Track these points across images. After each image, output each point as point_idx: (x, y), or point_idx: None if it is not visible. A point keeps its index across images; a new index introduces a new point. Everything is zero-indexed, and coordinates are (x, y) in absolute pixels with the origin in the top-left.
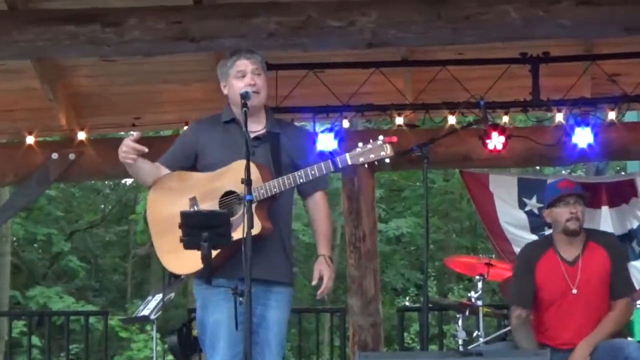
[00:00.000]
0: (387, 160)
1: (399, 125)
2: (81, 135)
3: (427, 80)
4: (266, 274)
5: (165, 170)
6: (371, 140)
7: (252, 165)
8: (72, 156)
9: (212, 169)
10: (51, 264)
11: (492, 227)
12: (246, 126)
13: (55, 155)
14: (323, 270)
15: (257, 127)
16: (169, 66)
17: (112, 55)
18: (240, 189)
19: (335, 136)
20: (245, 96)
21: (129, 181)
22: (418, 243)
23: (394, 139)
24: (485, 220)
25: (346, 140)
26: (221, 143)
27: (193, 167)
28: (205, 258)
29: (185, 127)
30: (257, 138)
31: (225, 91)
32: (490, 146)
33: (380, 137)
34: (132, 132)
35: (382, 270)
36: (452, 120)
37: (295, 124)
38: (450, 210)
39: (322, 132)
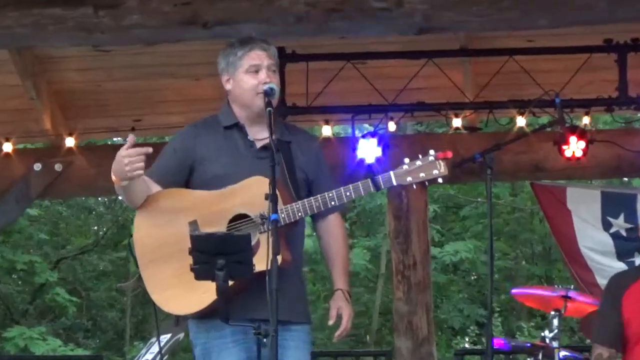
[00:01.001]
0: (440, 180)
1: (457, 128)
2: (69, 142)
3: (490, 73)
4: (285, 314)
5: (155, 187)
6: (420, 156)
7: (268, 182)
8: (58, 167)
9: (211, 185)
10: (33, 299)
11: (570, 252)
12: (271, 130)
13: (38, 166)
14: (342, 308)
15: (263, 133)
16: (176, 57)
17: (107, 45)
18: (253, 211)
19: (379, 142)
20: (269, 93)
21: None
22: (480, 271)
23: (449, 154)
24: (562, 243)
25: (392, 147)
26: (223, 154)
27: (186, 182)
28: (221, 290)
29: (177, 134)
30: (265, 148)
31: (227, 86)
32: (568, 153)
33: (432, 152)
34: (128, 138)
35: (436, 305)
36: (521, 121)
37: (304, 128)
38: (519, 231)
39: (363, 136)
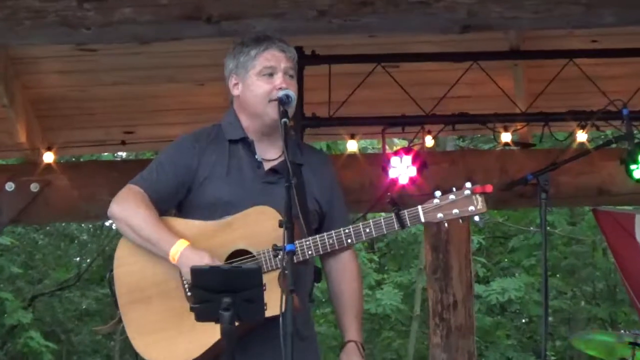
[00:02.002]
0: (477, 219)
1: (506, 144)
2: (48, 157)
3: (546, 79)
4: None
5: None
6: (454, 189)
7: (275, 213)
8: (34, 187)
9: (208, 211)
10: (3, 343)
11: (639, 291)
12: (287, 145)
13: (10, 186)
14: None
15: (273, 152)
16: (175, 59)
17: (94, 43)
18: (255, 247)
19: (414, 160)
20: (285, 101)
21: None
22: (532, 313)
23: (489, 188)
24: (630, 281)
25: (429, 165)
26: (225, 174)
27: (179, 205)
28: (227, 333)
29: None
30: (274, 171)
31: (235, 92)
32: (637, 174)
33: (469, 185)
34: (121, 153)
35: (480, 353)
36: (582, 137)
37: (316, 147)
38: (578, 266)
39: (396, 153)
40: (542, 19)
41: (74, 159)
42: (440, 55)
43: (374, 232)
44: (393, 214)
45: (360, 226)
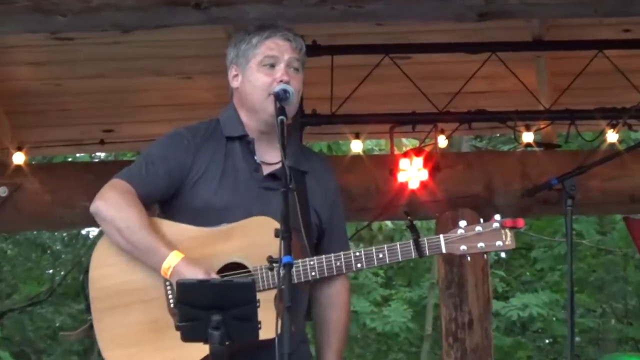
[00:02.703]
0: (503, 255)
1: (528, 145)
2: (18, 158)
3: (572, 72)
4: None
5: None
6: (482, 221)
7: (276, 224)
8: (3, 191)
9: (197, 217)
10: None
11: None
12: (284, 146)
13: None
14: None
15: (274, 155)
16: (160, 49)
17: (70, 31)
18: (253, 261)
19: (426, 162)
20: (282, 97)
21: (93, 231)
22: (556, 333)
23: (520, 223)
24: None
25: (443, 167)
26: (220, 176)
27: (164, 203)
28: (217, 355)
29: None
30: (273, 176)
31: (234, 84)
32: None
33: (498, 218)
34: (99, 154)
35: None
36: (612, 137)
37: (320, 155)
38: (608, 280)
39: (405, 154)
40: (569, 5)
41: (47, 160)
42: (454, 45)
43: (387, 259)
44: (411, 241)
45: (373, 251)
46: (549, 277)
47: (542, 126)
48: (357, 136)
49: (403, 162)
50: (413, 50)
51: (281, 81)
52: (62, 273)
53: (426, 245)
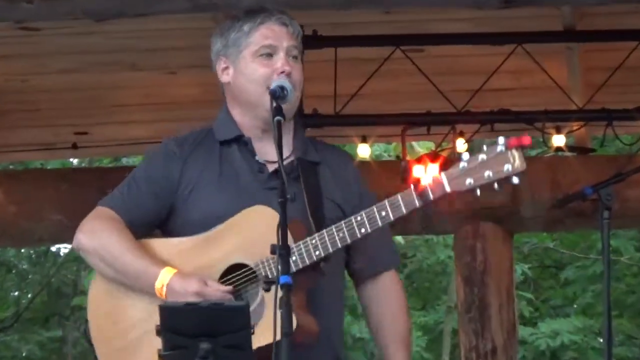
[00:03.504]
0: (516, 181)
1: (559, 149)
2: None
3: (609, 67)
4: None
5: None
6: (485, 147)
7: (273, 213)
8: None
9: (198, 228)
10: None
11: None
12: (280, 149)
13: None
14: None
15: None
16: (140, 40)
17: (38, 20)
18: (254, 256)
19: (443, 167)
20: (278, 94)
21: (65, 248)
22: None
23: (526, 140)
24: None
25: None
26: (217, 183)
27: (162, 225)
28: None
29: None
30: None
31: (225, 78)
32: None
33: (501, 140)
34: (72, 160)
35: None
36: None
37: (335, 146)
38: None
39: (419, 160)
40: None
41: (12, 167)
42: (475, 36)
43: (391, 215)
44: (412, 187)
45: (375, 210)
46: (581, 300)
47: (574, 128)
48: (364, 139)
49: (417, 169)
50: (427, 42)
51: (282, 72)
52: (30, 295)
53: (428, 189)
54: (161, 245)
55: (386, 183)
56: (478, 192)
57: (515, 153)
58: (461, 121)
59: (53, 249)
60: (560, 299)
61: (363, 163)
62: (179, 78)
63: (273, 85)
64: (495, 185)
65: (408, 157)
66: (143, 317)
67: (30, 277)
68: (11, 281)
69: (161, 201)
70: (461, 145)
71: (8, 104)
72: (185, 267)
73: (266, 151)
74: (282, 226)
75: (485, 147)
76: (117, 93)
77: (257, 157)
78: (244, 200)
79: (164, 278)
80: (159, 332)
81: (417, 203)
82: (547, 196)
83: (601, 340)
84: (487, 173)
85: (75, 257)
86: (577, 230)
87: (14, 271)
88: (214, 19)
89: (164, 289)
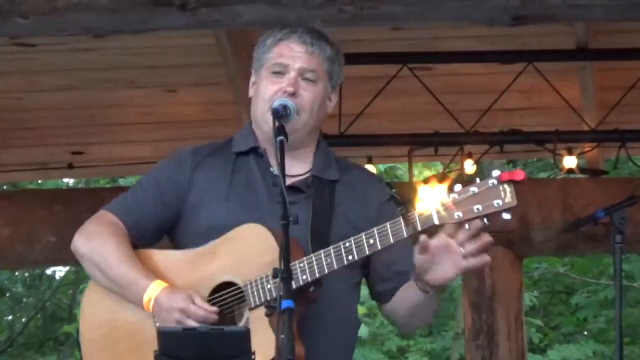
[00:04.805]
0: (507, 217)
1: (570, 170)
2: None
3: (623, 86)
4: None
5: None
6: (478, 180)
7: (266, 232)
8: None
9: (204, 239)
10: None
11: None
12: (283, 171)
13: None
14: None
15: (297, 167)
16: (139, 57)
17: (33, 35)
18: (243, 276)
19: (451, 190)
20: (281, 114)
21: (60, 272)
22: None
23: (519, 174)
24: None
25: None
26: (228, 192)
27: (170, 232)
28: None
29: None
30: (295, 188)
31: (251, 92)
32: None
33: (495, 173)
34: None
35: None
36: None
37: (366, 168)
38: None
39: (426, 181)
40: (619, 6)
41: (5, 187)
42: (484, 54)
43: (378, 244)
44: (401, 216)
45: (363, 237)
46: (592, 326)
47: (586, 149)
48: (369, 160)
49: (423, 191)
50: (436, 60)
51: (285, 92)
52: (24, 320)
53: (417, 219)
54: (158, 256)
55: None
56: (467, 225)
57: (507, 188)
58: (470, 142)
59: (48, 271)
60: (571, 325)
61: None
62: (179, 96)
63: (275, 104)
64: (485, 220)
65: (415, 178)
66: (130, 332)
67: (24, 300)
68: (5, 305)
69: (168, 206)
70: (470, 166)
71: (1, 122)
72: (177, 280)
73: (285, 166)
74: (285, 249)
75: (477, 180)
76: (114, 111)
77: (272, 169)
78: (251, 212)
79: (152, 291)
80: (157, 357)
81: (404, 233)
82: (558, 219)
83: None
84: (477, 207)
85: (71, 281)
86: (588, 254)
87: (7, 294)
88: (216, 35)
89: (151, 302)
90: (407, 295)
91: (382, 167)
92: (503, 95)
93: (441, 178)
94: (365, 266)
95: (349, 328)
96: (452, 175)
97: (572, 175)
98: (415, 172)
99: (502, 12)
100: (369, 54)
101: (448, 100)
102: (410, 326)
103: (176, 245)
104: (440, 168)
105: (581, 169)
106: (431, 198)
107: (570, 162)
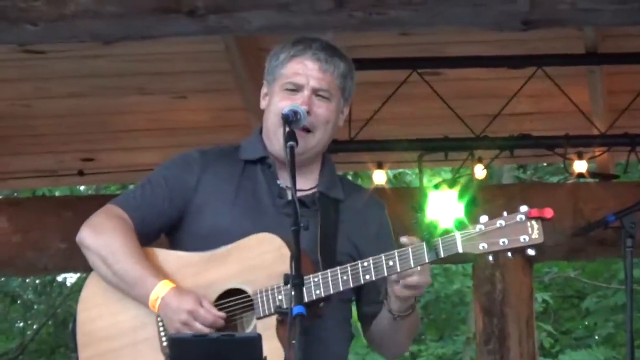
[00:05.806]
0: (532, 252)
1: (580, 175)
2: None
3: (633, 90)
4: None
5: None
6: (505, 213)
7: (281, 243)
8: None
9: (206, 245)
10: None
11: None
12: (294, 176)
13: None
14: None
15: (303, 183)
16: (148, 63)
17: (43, 43)
18: (253, 284)
19: (461, 196)
20: (292, 119)
21: (71, 278)
22: None
23: (548, 212)
24: None
25: (481, 202)
26: (234, 197)
27: (171, 232)
28: None
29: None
30: (301, 202)
31: (263, 104)
32: None
33: (523, 209)
34: (78, 187)
35: None
36: None
37: (367, 189)
38: None
39: (436, 186)
40: (629, 11)
41: (15, 194)
42: (494, 59)
43: (398, 266)
44: (424, 242)
45: (382, 259)
46: (603, 330)
47: (596, 153)
48: (379, 166)
49: (434, 196)
50: (445, 65)
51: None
52: (35, 326)
53: (440, 245)
54: (165, 256)
55: (402, 210)
56: (491, 258)
57: (535, 224)
58: (480, 146)
59: (59, 278)
60: (582, 330)
61: (378, 189)
62: (188, 103)
63: (286, 110)
64: (509, 254)
65: (425, 184)
66: (131, 328)
67: (35, 307)
68: (16, 312)
69: (174, 205)
70: (480, 171)
71: (11, 129)
72: (184, 282)
73: (289, 179)
74: (296, 255)
75: (505, 214)
76: (124, 118)
77: (279, 181)
78: (256, 220)
79: (160, 291)
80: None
81: (426, 259)
82: (569, 224)
83: None
84: (503, 240)
85: (82, 287)
86: (599, 258)
87: (18, 301)
88: (225, 42)
89: (158, 301)
90: (380, 321)
91: (390, 173)
92: (513, 99)
93: (451, 183)
94: (358, 287)
95: (343, 343)
96: (462, 180)
97: (582, 180)
98: (425, 179)
99: (512, 17)
100: (378, 60)
101: (458, 105)
102: (386, 355)
103: (175, 244)
104: (448, 174)
105: (591, 173)
106: (452, 221)
107: (580, 166)
